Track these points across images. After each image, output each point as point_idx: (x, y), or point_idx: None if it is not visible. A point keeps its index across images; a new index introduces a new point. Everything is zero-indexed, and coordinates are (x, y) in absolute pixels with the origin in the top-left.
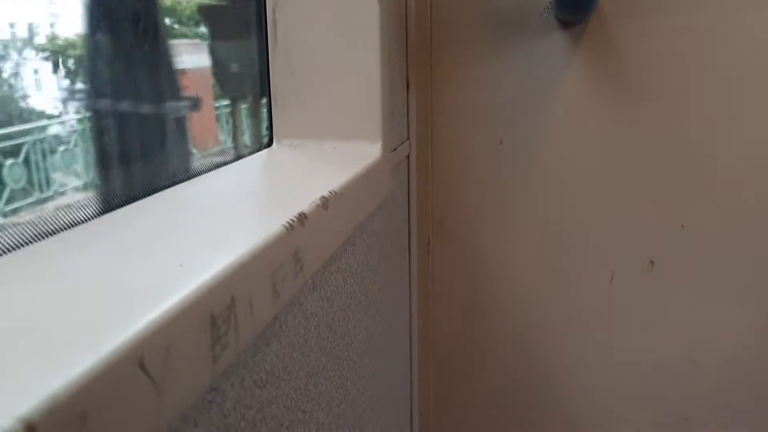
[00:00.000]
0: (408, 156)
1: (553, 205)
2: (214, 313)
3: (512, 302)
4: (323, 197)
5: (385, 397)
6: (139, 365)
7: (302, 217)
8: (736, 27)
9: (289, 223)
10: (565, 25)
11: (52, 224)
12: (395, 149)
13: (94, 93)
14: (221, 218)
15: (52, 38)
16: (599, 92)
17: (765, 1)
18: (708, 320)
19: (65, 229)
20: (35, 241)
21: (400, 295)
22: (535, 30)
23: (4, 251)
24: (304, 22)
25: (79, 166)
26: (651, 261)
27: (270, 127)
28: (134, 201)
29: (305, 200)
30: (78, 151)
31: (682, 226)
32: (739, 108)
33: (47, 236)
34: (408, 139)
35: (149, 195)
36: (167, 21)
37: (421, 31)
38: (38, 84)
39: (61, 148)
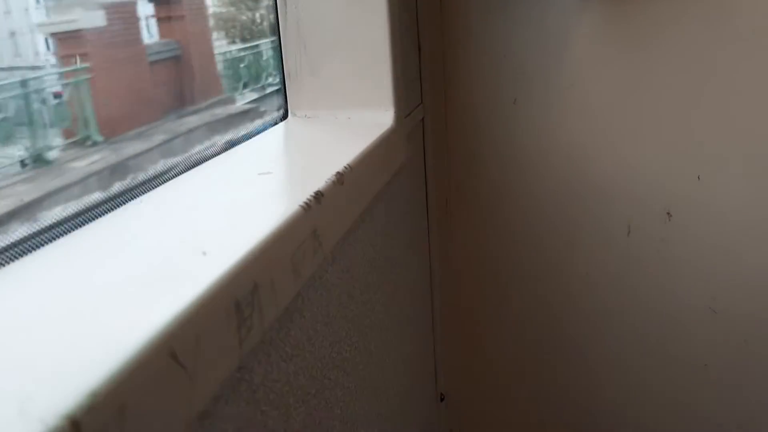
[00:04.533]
0: (423, 119)
1: (569, 159)
2: (238, 299)
3: (531, 256)
4: (338, 173)
5: (409, 356)
6: (171, 356)
7: (318, 196)
8: None
9: (306, 203)
10: None
11: None
12: (409, 114)
13: None
14: (240, 202)
15: None
16: (612, 45)
17: None
18: (726, 270)
19: None
20: None
21: (420, 255)
22: None
23: None
24: None
25: None
26: (668, 213)
27: (285, 100)
28: None
29: (321, 178)
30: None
31: (699, 177)
32: (756, 58)
33: None
34: (422, 102)
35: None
36: None
37: None
38: None
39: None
